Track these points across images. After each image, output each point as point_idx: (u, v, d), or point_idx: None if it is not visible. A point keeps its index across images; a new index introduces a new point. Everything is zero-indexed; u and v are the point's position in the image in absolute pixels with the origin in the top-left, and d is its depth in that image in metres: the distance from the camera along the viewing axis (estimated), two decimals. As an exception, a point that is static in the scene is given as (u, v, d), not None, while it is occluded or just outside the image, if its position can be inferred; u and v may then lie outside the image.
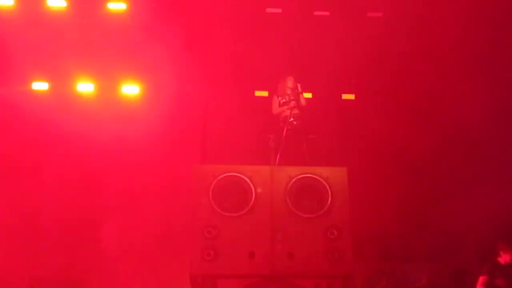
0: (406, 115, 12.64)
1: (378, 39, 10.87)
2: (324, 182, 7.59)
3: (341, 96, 12.01)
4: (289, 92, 8.85)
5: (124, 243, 12.01)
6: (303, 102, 8.80)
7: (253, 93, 11.74)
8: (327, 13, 10.68)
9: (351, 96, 12.24)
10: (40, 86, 11.02)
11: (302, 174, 7.66)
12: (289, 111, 8.70)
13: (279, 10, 10.68)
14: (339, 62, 11.30)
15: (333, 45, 10.72)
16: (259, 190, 7.52)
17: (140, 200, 12.12)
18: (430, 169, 12.06)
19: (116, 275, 11.55)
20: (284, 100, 8.83)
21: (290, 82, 8.91)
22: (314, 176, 7.64)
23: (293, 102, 8.72)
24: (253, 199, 7.47)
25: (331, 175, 7.65)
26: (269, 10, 10.64)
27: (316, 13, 10.78)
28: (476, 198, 11.22)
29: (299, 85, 8.82)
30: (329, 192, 7.53)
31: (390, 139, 13.54)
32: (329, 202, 7.49)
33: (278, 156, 8.44)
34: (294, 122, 8.63)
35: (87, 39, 10.43)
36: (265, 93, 10.96)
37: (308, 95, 9.63)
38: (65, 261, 11.60)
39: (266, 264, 7.22)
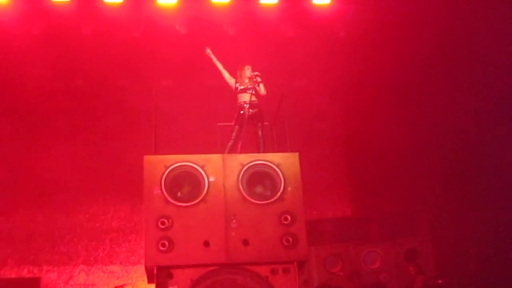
0: (361, 100, 12.82)
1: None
2: (276, 168, 7.61)
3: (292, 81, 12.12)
4: (246, 81, 8.60)
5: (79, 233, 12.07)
6: (262, 92, 8.50)
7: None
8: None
9: None
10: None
11: (254, 161, 7.66)
12: (248, 96, 8.45)
13: None
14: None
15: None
16: (211, 179, 7.48)
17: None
18: (383, 152, 12.24)
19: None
20: (242, 87, 8.59)
21: (247, 71, 8.66)
22: (266, 162, 7.65)
23: (250, 90, 8.48)
24: (206, 188, 7.43)
25: (283, 161, 7.67)
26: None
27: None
28: (429, 179, 11.45)
29: (257, 74, 8.52)
30: (282, 178, 7.55)
31: (342, 123, 13.74)
32: (281, 188, 7.51)
33: (233, 144, 8.37)
34: (251, 110, 8.43)
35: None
36: None
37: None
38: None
39: (221, 252, 7.21)
